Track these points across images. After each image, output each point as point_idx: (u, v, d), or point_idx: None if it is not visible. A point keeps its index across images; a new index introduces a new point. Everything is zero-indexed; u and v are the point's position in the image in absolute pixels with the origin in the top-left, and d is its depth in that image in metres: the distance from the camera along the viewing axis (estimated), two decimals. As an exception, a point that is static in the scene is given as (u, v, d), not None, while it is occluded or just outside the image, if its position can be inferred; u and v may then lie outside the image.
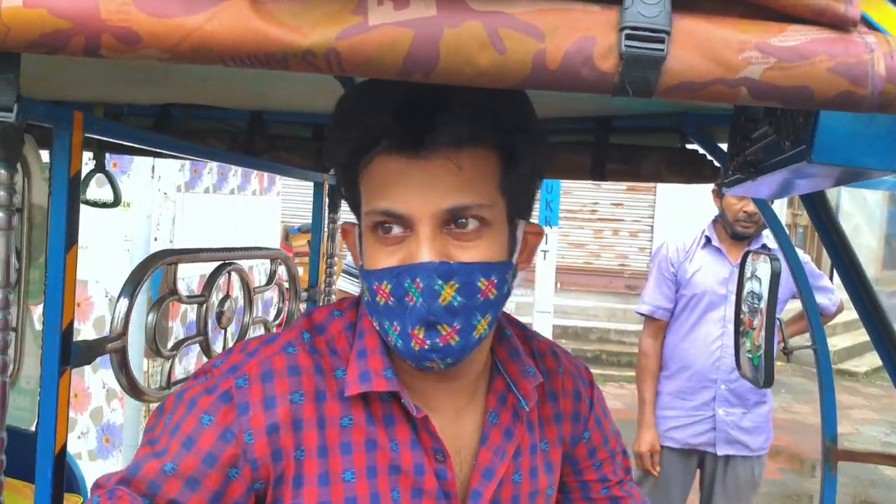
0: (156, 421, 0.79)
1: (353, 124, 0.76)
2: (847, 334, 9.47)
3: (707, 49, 0.56)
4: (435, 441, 0.82)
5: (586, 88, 0.58)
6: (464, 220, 0.75)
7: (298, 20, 0.59)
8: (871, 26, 0.56)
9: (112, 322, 1.13)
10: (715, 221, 2.98)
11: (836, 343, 9.26)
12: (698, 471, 2.98)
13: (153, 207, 3.55)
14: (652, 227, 10.41)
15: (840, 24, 0.55)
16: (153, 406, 3.76)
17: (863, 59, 0.54)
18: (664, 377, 2.96)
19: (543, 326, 5.41)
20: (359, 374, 0.80)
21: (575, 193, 10.42)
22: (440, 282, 0.73)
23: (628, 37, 0.56)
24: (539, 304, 5.45)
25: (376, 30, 0.58)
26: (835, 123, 0.70)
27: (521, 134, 0.79)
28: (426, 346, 0.74)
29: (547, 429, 0.92)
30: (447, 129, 0.72)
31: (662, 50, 0.56)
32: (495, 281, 0.77)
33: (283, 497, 0.78)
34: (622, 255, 10.61)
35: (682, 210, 7.46)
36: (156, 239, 3.59)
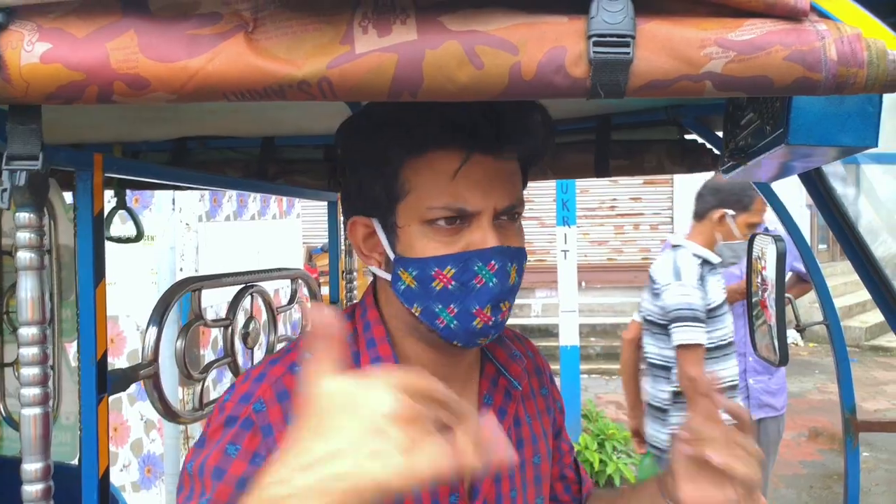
0: (186, 470, 0.81)
1: (432, 119, 0.79)
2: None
3: (670, 48, 0.60)
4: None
5: (561, 95, 0.62)
6: (512, 214, 0.84)
7: (292, 53, 0.64)
8: (822, 14, 0.60)
9: (143, 350, 1.18)
10: None
11: (867, 319, 9.11)
12: None
13: (176, 239, 3.64)
14: (672, 218, 10.35)
15: (792, 15, 0.59)
16: (190, 429, 3.80)
17: (815, 46, 0.58)
18: None
19: (570, 326, 5.40)
20: (371, 360, 0.86)
21: (592, 192, 10.41)
22: (510, 263, 0.82)
23: (596, 43, 0.60)
24: (564, 304, 5.44)
25: (363, 57, 0.62)
26: (808, 106, 0.74)
27: (546, 148, 0.87)
28: (489, 323, 0.81)
29: (528, 404, 1.00)
30: (523, 135, 0.82)
31: (629, 53, 0.60)
32: (525, 265, 0.87)
33: None
34: (644, 248, 10.56)
35: (700, 199, 7.42)
36: (181, 269, 3.67)
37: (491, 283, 0.80)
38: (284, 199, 5.11)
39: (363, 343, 0.88)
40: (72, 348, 1.91)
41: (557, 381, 6.94)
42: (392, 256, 0.84)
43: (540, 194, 10.50)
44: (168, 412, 1.28)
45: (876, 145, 0.71)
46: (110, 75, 0.63)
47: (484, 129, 0.79)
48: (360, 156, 0.85)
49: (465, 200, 0.80)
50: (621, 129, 1.61)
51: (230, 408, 0.80)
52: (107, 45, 0.63)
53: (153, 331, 1.20)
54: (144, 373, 1.16)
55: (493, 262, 0.80)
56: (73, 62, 0.63)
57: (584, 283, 8.97)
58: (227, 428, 0.79)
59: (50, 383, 0.80)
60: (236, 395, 0.82)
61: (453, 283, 0.80)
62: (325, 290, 2.03)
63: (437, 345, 0.86)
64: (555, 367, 6.97)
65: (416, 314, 0.83)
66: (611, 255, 10.71)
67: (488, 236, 0.80)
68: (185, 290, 1.32)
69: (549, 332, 8.77)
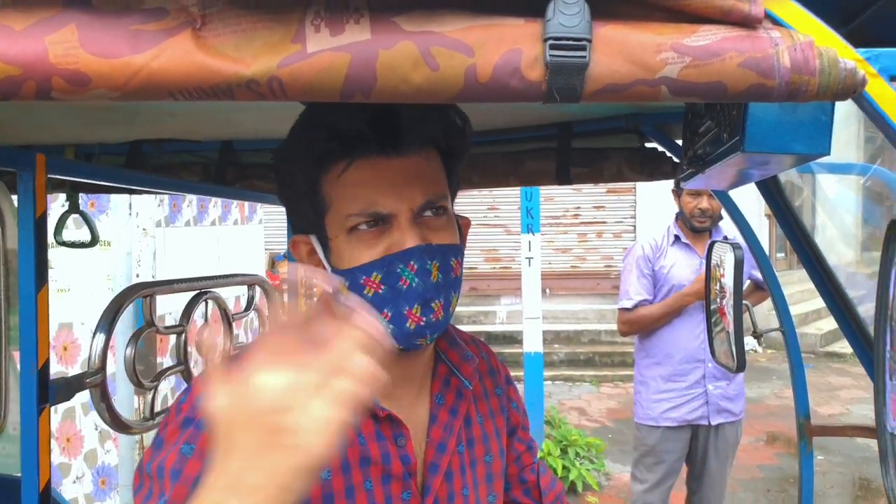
0: (141, 473, 0.81)
1: (323, 133, 0.82)
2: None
3: (626, 53, 0.59)
4: (395, 429, 0.88)
5: (517, 98, 0.61)
6: (435, 209, 0.85)
7: (241, 51, 0.62)
8: (776, 22, 0.60)
9: (90, 358, 1.14)
10: (677, 218, 3.19)
11: (822, 326, 9.32)
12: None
13: (133, 244, 3.55)
14: (634, 226, 10.47)
15: (746, 22, 0.59)
16: (147, 439, 3.69)
17: (768, 53, 0.58)
18: (653, 364, 3.19)
19: (534, 332, 5.42)
20: None
21: (557, 199, 10.48)
22: (429, 261, 0.82)
23: (552, 46, 0.59)
24: (528, 311, 5.46)
25: (315, 56, 0.61)
26: (763, 114, 0.74)
27: (461, 137, 0.89)
28: (422, 323, 0.82)
29: (480, 404, 1.02)
30: (419, 128, 0.83)
31: (585, 57, 0.59)
32: (459, 260, 0.87)
33: None
34: (607, 256, 10.66)
35: (663, 208, 7.54)
36: (137, 275, 3.59)
37: (414, 283, 0.81)
38: (247, 204, 5.05)
39: None
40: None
41: (521, 387, 6.98)
42: (329, 270, 0.86)
43: (505, 202, 10.55)
44: (116, 422, 1.23)
45: (829, 153, 0.71)
46: (49, 70, 0.61)
47: (372, 132, 0.80)
48: (286, 179, 0.89)
49: (378, 203, 0.82)
50: (582, 137, 1.62)
51: (186, 409, 0.82)
52: (45, 39, 0.60)
53: (101, 337, 1.16)
54: (91, 381, 1.12)
55: (412, 262, 0.81)
56: (10, 56, 0.60)
57: (548, 291, 9.02)
58: (184, 429, 0.80)
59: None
60: (192, 397, 0.83)
61: (383, 287, 0.82)
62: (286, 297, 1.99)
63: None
64: (519, 373, 6.98)
65: None
66: (574, 262, 10.79)
67: (406, 237, 0.81)
68: (136, 296, 1.28)
69: (514, 338, 8.78)
